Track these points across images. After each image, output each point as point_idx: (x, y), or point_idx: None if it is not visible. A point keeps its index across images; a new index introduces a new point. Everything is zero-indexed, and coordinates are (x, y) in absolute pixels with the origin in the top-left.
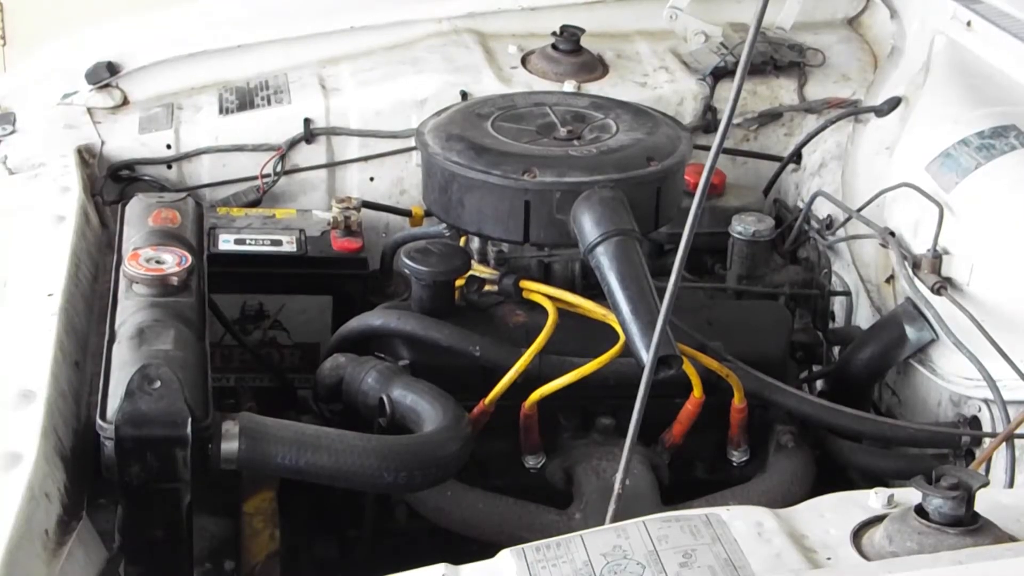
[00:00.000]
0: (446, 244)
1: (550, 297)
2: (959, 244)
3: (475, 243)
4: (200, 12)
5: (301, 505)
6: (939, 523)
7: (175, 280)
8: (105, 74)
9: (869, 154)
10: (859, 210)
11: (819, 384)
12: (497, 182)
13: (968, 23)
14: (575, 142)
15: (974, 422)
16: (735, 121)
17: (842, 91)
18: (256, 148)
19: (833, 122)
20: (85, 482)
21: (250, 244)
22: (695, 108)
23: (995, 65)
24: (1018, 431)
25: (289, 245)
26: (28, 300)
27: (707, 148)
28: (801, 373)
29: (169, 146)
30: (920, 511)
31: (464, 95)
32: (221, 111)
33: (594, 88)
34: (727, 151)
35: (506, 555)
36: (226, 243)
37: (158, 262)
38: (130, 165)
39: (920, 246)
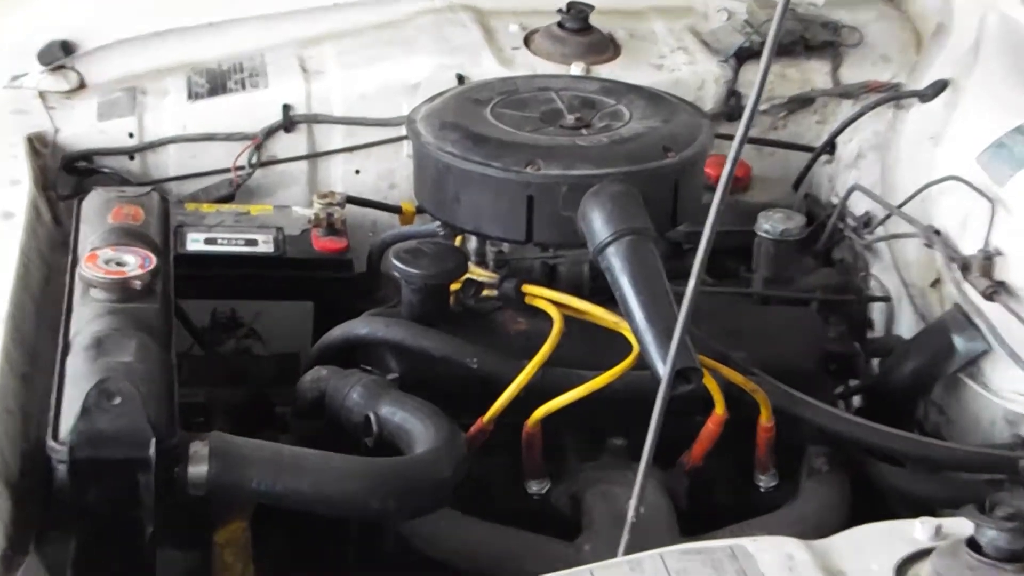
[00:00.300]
0: (440, 244)
1: (555, 303)
2: (1014, 244)
3: (472, 243)
4: None
5: (278, 535)
6: (994, 557)
7: (138, 284)
8: (60, 54)
9: (912, 144)
10: (901, 206)
11: (856, 400)
12: (497, 175)
13: None
14: (584, 131)
15: None
16: (762, 107)
17: (881, 74)
18: (229, 137)
19: (871, 108)
20: (33, 511)
21: (222, 244)
22: (717, 93)
23: None
24: None
25: (265, 245)
26: None
27: (730, 137)
28: (836, 388)
29: (132, 135)
30: (972, 544)
31: (460, 79)
32: (190, 96)
33: (604, 71)
34: (752, 141)
35: None
36: (195, 243)
37: (118, 264)
38: (87, 156)
39: (970, 246)
